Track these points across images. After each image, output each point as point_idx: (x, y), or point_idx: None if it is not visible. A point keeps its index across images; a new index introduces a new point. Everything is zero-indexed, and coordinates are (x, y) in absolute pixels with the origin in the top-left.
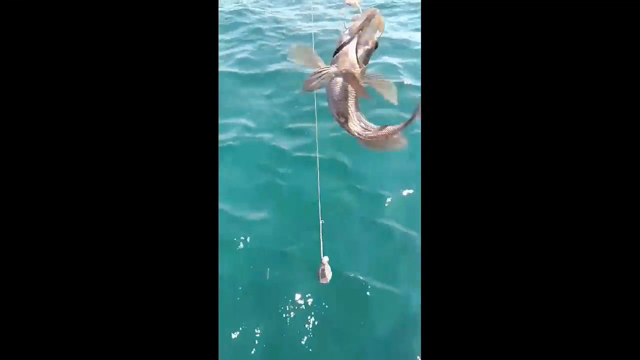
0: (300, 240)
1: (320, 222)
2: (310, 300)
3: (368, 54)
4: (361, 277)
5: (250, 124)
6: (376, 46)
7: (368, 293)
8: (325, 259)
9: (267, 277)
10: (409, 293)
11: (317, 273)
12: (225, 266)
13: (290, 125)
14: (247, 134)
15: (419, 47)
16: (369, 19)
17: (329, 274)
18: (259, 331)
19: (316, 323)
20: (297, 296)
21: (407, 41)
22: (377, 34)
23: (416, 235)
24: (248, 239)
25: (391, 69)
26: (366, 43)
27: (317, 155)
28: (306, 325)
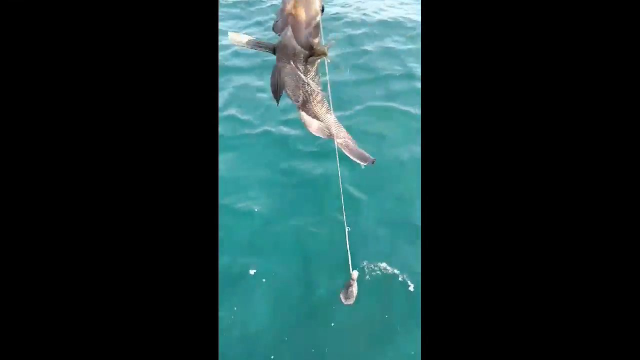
0: (305, 231)
1: (346, 230)
2: (321, 292)
3: (317, 26)
4: (373, 267)
5: (248, 117)
6: (322, 10)
7: (382, 282)
8: (355, 274)
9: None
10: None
11: (342, 291)
12: (225, 259)
13: (290, 117)
14: (246, 128)
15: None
16: None
17: (354, 293)
18: (259, 323)
19: (324, 315)
20: (309, 289)
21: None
22: (318, 2)
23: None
24: (252, 231)
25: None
26: (309, 21)
27: (338, 167)
28: (311, 318)
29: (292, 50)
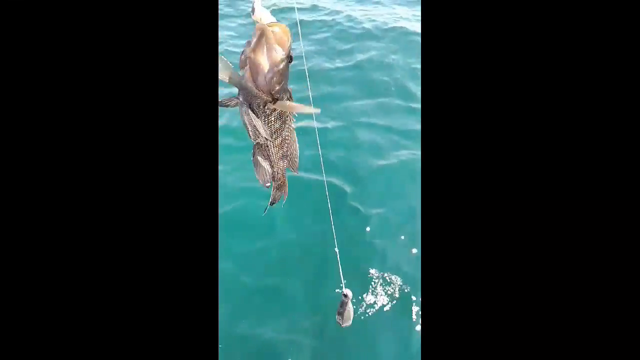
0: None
1: (336, 251)
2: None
3: (280, 74)
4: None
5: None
6: (290, 60)
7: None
8: (349, 293)
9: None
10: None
11: (338, 314)
12: (227, 269)
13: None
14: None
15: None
16: (260, 39)
17: (350, 313)
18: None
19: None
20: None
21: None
22: (281, 51)
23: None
24: (254, 241)
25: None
26: (271, 67)
27: (325, 179)
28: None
29: (250, 92)
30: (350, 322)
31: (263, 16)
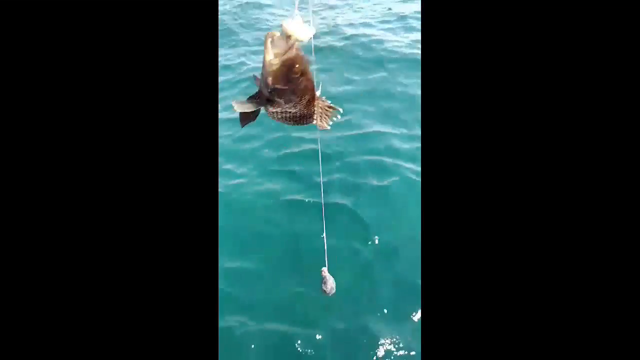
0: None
1: (324, 237)
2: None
3: (273, 76)
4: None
5: (239, 168)
6: (291, 70)
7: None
8: (324, 270)
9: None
10: None
11: (322, 286)
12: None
13: (277, 168)
14: (236, 180)
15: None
16: (265, 42)
17: (331, 284)
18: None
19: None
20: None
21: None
22: (271, 55)
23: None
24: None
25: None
26: (266, 66)
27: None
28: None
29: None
30: (334, 291)
31: (290, 25)
